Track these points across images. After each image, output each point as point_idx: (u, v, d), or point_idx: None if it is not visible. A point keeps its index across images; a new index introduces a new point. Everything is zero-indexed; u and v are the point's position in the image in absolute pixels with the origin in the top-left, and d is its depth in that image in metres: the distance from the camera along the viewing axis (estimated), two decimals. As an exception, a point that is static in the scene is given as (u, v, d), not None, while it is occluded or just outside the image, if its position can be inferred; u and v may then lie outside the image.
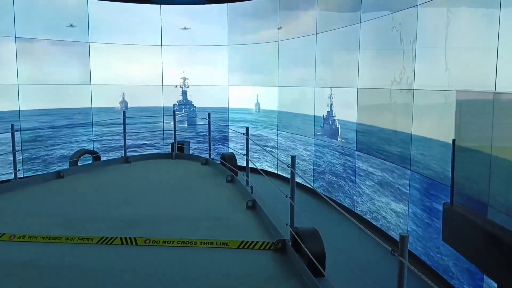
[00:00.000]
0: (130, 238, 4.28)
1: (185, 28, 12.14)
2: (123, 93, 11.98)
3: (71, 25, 11.24)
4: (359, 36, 8.01)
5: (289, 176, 4.44)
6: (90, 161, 9.05)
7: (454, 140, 3.89)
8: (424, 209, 6.09)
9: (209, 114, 8.27)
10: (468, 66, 5.22)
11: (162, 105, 12.37)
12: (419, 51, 6.23)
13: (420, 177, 6.16)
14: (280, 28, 11.06)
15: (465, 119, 4.29)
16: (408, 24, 6.51)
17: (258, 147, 11.44)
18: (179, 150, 9.16)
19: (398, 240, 2.45)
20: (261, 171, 5.89)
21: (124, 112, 8.62)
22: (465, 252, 3.63)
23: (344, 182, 8.80)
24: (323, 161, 9.60)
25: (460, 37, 5.39)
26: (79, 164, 8.56)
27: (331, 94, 9.14)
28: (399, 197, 6.81)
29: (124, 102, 12.09)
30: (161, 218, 5.03)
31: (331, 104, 9.15)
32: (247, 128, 6.49)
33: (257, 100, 12.07)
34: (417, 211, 6.28)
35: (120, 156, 8.49)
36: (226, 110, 12.50)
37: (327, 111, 9.30)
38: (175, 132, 8.78)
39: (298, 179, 4.38)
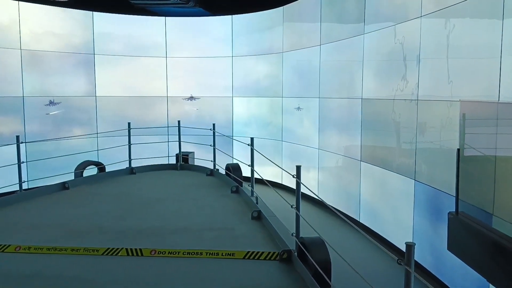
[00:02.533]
0: (135, 249, 4.29)
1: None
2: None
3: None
4: (362, 47, 8.07)
5: (294, 187, 4.45)
6: (95, 172, 9.09)
7: (458, 150, 3.91)
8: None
9: (213, 125, 8.30)
10: (472, 76, 5.24)
11: (167, 116, 12.44)
12: (423, 62, 6.27)
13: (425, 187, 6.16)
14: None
15: (469, 129, 4.30)
16: (411, 35, 6.55)
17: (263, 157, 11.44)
18: (184, 161, 9.19)
19: (404, 250, 2.46)
20: (266, 182, 5.90)
21: (129, 124, 8.68)
22: (470, 262, 3.62)
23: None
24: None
25: (463, 47, 5.42)
26: (84, 175, 8.60)
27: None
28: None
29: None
30: (167, 229, 5.04)
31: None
32: (252, 139, 6.51)
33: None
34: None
35: (125, 167, 8.52)
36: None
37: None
38: (179, 143, 8.82)
39: (303, 190, 4.40)
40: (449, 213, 3.96)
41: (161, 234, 4.86)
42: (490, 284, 4.40)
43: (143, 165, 8.73)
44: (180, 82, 12.57)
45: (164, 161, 9.72)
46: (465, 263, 4.09)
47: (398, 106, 6.98)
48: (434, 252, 5.92)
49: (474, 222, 3.58)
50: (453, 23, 5.53)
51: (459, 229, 3.63)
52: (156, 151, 10.36)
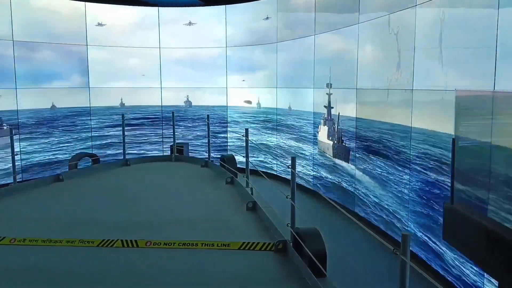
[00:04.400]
0: (131, 240, 4.27)
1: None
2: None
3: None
4: (357, 37, 8.03)
5: (289, 178, 4.45)
6: (89, 164, 9.05)
7: (453, 139, 3.90)
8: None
9: (208, 116, 8.28)
10: (467, 65, 5.23)
11: (161, 106, 12.37)
12: (417, 51, 6.25)
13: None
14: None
15: (464, 119, 4.30)
16: (406, 25, 6.52)
17: (258, 148, 11.44)
18: (179, 152, 9.17)
19: (399, 240, 2.45)
20: (261, 173, 5.89)
21: (122, 115, 8.63)
22: (466, 251, 3.64)
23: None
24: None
25: (458, 37, 5.40)
26: (78, 167, 8.55)
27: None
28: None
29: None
30: (162, 221, 5.03)
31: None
32: (246, 130, 6.50)
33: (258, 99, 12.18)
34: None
35: (119, 159, 8.48)
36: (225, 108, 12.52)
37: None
38: (174, 134, 8.78)
39: (299, 181, 4.40)
40: (445, 202, 3.97)
41: (156, 226, 4.84)
42: (485, 273, 4.43)
43: (137, 156, 8.70)
44: (174, 73, 12.49)
45: (159, 152, 9.70)
46: (460, 252, 4.11)
47: (393, 96, 6.97)
48: (430, 241, 5.95)
49: (470, 211, 3.59)
50: (448, 12, 5.50)
51: (454, 218, 3.64)
52: (151, 143, 10.34)
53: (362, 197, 7.90)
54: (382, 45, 7.36)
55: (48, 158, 10.19)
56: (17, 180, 6.87)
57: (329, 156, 9.03)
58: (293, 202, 4.31)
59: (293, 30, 10.66)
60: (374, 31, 7.56)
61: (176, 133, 8.80)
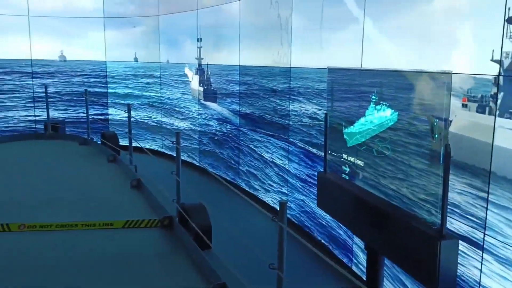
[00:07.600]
0: (1, 224, 3.93)
1: None
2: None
3: None
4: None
5: (175, 154, 4.44)
6: None
7: (326, 113, 4.21)
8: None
9: (86, 90, 7.81)
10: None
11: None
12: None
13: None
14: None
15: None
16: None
17: (143, 126, 11.14)
18: (54, 129, 8.52)
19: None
20: (145, 150, 5.77)
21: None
22: (337, 216, 4.00)
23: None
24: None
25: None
26: None
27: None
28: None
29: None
30: (37, 202, 4.70)
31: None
32: (128, 106, 6.27)
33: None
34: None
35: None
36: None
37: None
38: (48, 110, 8.12)
39: (184, 157, 4.40)
40: (319, 172, 4.30)
41: (30, 207, 4.52)
42: (354, 235, 4.93)
43: (4, 134, 7.92)
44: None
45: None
46: (333, 218, 4.51)
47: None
48: (306, 210, 6.42)
49: (340, 179, 3.94)
50: None
51: (327, 186, 3.97)
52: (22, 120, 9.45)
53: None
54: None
55: None
56: None
57: (201, 100, 9.95)
58: (178, 178, 4.32)
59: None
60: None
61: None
